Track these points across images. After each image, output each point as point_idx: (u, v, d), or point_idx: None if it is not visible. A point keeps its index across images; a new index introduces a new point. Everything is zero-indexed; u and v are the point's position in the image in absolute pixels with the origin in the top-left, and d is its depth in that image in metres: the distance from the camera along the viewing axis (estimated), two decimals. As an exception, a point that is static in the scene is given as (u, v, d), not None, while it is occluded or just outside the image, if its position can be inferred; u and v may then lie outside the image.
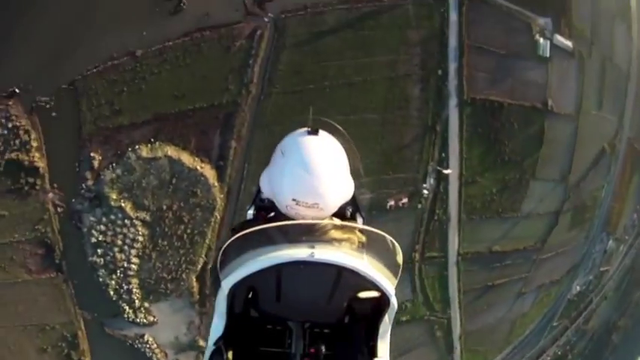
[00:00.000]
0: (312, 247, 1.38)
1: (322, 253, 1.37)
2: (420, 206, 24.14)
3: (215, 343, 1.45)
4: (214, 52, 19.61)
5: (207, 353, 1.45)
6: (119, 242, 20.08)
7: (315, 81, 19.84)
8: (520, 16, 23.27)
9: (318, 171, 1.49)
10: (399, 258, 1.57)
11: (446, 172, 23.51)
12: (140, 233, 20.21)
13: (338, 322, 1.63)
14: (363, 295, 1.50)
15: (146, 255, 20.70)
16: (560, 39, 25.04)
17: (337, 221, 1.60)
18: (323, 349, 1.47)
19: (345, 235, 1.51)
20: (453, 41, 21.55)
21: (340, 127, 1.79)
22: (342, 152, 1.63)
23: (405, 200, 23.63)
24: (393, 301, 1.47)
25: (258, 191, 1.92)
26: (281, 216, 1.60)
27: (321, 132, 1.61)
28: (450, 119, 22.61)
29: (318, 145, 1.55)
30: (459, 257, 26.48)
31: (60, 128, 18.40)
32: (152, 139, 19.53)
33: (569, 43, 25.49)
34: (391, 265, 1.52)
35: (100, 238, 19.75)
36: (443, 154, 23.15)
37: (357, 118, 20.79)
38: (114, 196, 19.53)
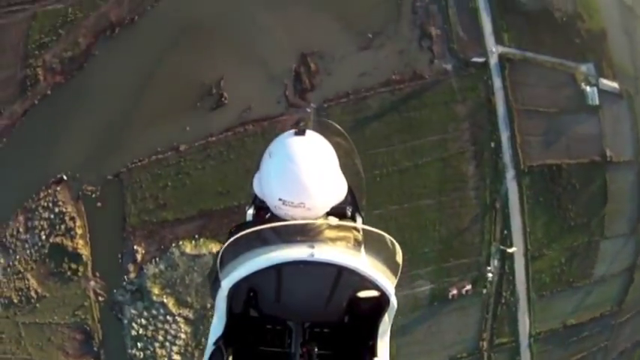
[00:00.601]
0: (312, 247, 1.34)
1: (322, 252, 1.33)
2: (485, 291, 20.84)
3: (215, 343, 1.41)
4: (258, 146, 18.46)
5: (207, 353, 1.39)
6: (160, 338, 19.07)
7: (364, 170, 17.45)
8: (562, 67, 21.32)
9: (302, 171, 1.40)
10: (399, 257, 1.48)
11: (510, 250, 20.42)
12: (182, 330, 19.10)
13: (338, 322, 1.61)
14: (362, 294, 1.46)
15: (188, 353, 19.43)
16: (605, 82, 23.03)
17: (333, 221, 1.55)
18: (315, 348, 1.45)
19: (341, 234, 1.44)
20: (501, 109, 19.22)
21: (340, 127, 1.83)
22: (332, 152, 1.53)
23: (468, 287, 20.42)
24: (393, 300, 1.41)
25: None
26: (276, 216, 1.52)
27: (309, 132, 1.52)
28: (510, 193, 19.84)
29: (304, 146, 1.46)
30: (531, 339, 22.88)
31: (104, 218, 18.89)
32: (196, 236, 18.92)
33: (615, 85, 23.48)
34: (391, 264, 1.46)
35: (140, 332, 19.25)
36: (505, 232, 20.15)
37: (411, 206, 18.47)
38: (156, 291, 18.82)
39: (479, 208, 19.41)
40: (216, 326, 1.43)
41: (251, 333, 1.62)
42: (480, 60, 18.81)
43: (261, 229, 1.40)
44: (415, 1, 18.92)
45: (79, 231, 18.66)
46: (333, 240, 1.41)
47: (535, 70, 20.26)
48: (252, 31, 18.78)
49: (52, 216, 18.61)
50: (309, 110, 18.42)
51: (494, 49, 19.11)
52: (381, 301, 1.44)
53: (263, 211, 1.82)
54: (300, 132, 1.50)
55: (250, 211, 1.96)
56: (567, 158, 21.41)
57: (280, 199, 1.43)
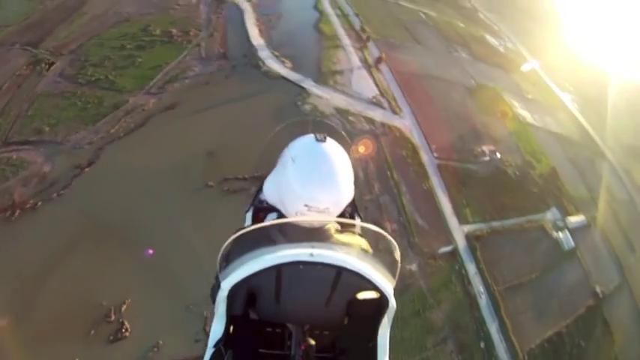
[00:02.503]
0: (312, 248, 1.33)
1: (322, 253, 1.32)
2: None
3: (215, 345, 1.39)
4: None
5: (207, 355, 1.38)
6: None
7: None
8: (530, 224, 20.42)
9: (333, 177, 1.43)
10: (397, 256, 1.47)
11: None
12: None
13: (337, 324, 1.60)
14: (361, 296, 1.46)
15: None
16: (572, 220, 22.60)
17: (335, 222, 1.54)
18: (313, 343, 1.45)
19: (346, 240, 1.48)
20: (482, 298, 17.01)
21: (339, 129, 1.74)
22: (348, 158, 1.56)
23: None
24: (392, 301, 1.41)
25: (258, 193, 1.91)
26: (282, 217, 1.52)
27: (328, 139, 1.53)
28: (515, 394, 16.72)
29: (329, 153, 1.47)
30: None
31: None
32: None
33: (581, 217, 23.17)
34: (390, 265, 1.46)
35: None
36: None
37: None
38: None
39: None
40: (216, 328, 1.41)
41: (251, 335, 1.59)
42: (448, 249, 17.09)
43: (267, 227, 1.41)
44: (363, 196, 17.50)
45: None
46: (334, 241, 1.43)
47: (505, 239, 18.96)
48: (170, 247, 16.03)
49: None
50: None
51: (459, 232, 17.65)
52: (380, 303, 1.43)
53: (262, 212, 1.82)
54: (322, 139, 1.49)
55: (249, 214, 1.92)
56: (563, 320, 19.15)
57: (306, 205, 1.41)
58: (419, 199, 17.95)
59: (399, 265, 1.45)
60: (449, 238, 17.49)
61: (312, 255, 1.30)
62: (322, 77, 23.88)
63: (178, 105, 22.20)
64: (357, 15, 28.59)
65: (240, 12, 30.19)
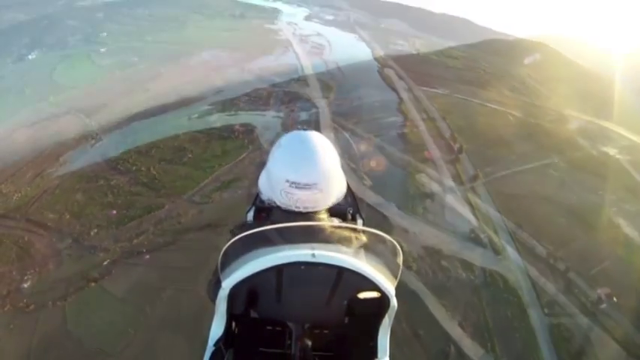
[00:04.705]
0: (313, 248, 1.38)
1: (323, 253, 1.37)
2: None
3: (215, 344, 1.42)
4: None
5: (207, 354, 1.41)
6: None
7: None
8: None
9: (311, 151, 1.50)
10: (399, 259, 1.51)
11: None
12: None
13: (338, 323, 1.63)
14: (362, 295, 1.48)
15: None
16: None
17: (336, 222, 1.59)
18: (309, 343, 1.53)
19: (344, 235, 1.48)
20: None
21: (344, 132, 1.99)
22: (334, 148, 1.62)
23: None
24: (393, 301, 1.45)
25: (258, 193, 1.96)
26: (281, 216, 1.57)
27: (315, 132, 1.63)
28: None
29: (313, 137, 1.58)
30: None
31: None
32: None
33: None
34: (391, 266, 1.49)
35: None
36: None
37: None
38: None
39: None
40: (217, 327, 1.43)
41: (251, 334, 1.63)
42: None
43: (267, 230, 1.41)
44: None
45: None
46: (336, 241, 1.42)
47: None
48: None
49: None
50: None
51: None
52: (381, 302, 1.45)
53: (263, 212, 1.87)
54: (308, 129, 1.62)
55: (250, 213, 1.97)
56: None
57: (288, 181, 1.46)
58: None
59: (401, 266, 1.48)
60: None
61: (313, 255, 1.34)
62: (409, 202, 21.59)
63: (223, 224, 17.89)
64: (444, 119, 26.67)
65: (315, 111, 28.38)
